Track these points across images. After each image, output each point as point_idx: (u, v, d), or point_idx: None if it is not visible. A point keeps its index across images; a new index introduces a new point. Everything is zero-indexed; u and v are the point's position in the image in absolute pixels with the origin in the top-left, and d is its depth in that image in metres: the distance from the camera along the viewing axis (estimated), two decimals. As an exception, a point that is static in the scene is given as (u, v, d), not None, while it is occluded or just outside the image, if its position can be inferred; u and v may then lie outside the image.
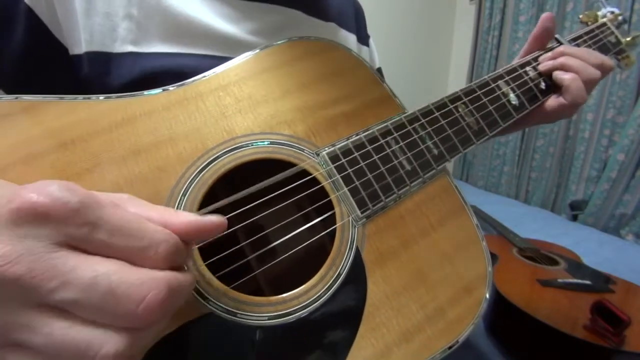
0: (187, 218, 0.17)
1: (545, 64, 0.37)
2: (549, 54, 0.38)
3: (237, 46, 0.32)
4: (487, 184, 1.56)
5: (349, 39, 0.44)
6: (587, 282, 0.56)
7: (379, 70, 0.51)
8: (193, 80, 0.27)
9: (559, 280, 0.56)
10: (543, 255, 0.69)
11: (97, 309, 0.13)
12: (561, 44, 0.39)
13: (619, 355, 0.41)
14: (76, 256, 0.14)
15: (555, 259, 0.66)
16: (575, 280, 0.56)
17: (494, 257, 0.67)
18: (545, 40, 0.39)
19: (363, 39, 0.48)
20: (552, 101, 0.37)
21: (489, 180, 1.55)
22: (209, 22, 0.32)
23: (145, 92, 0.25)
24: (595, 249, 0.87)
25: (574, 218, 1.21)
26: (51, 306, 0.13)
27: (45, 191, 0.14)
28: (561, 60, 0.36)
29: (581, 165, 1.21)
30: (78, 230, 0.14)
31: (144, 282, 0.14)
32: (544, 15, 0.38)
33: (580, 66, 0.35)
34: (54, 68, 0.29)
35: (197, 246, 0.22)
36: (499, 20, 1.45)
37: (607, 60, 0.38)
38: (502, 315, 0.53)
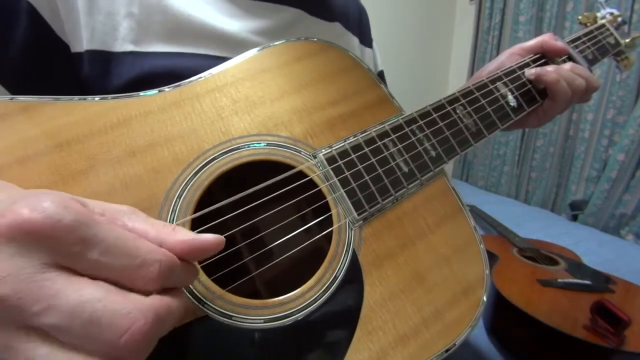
0: (183, 237, 0.17)
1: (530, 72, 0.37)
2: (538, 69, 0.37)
3: (239, 46, 0.32)
4: (487, 184, 1.55)
5: (353, 40, 0.44)
6: (587, 282, 0.56)
7: (381, 73, 0.51)
8: (189, 81, 0.27)
9: (559, 280, 0.56)
10: (543, 255, 0.69)
11: (80, 336, 0.13)
12: None
13: (619, 355, 0.41)
14: (64, 278, 0.13)
15: (555, 259, 0.66)
16: (575, 280, 0.56)
17: (494, 257, 0.66)
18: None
19: (366, 41, 0.47)
20: (546, 103, 0.37)
21: (489, 180, 1.55)
22: (210, 21, 0.32)
23: (141, 93, 0.25)
24: (595, 249, 0.87)
25: (574, 218, 1.21)
26: (35, 329, 0.13)
27: (39, 207, 0.13)
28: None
29: (581, 165, 1.21)
30: (69, 249, 0.14)
31: (130, 312, 0.13)
32: (545, 38, 0.38)
33: (565, 75, 0.35)
34: (55, 65, 0.28)
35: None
36: (499, 20, 1.45)
37: (592, 78, 0.37)
38: (502, 316, 0.52)
